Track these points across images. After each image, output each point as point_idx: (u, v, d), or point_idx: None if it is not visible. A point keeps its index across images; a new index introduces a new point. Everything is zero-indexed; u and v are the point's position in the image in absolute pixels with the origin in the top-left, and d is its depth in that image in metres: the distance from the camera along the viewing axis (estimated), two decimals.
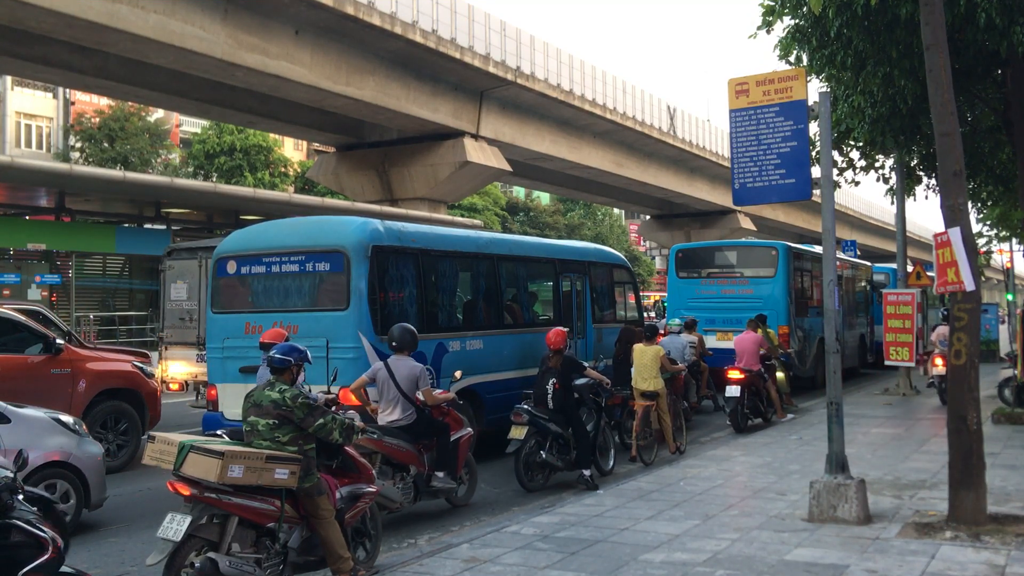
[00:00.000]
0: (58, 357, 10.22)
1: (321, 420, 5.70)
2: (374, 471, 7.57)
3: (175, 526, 5.21)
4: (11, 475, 4.56)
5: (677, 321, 14.27)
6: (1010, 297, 41.81)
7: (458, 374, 9.19)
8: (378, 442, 7.75)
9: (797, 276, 18.23)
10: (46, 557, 4.40)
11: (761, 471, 9.81)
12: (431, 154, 33.40)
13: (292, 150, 55.64)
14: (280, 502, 5.53)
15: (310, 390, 7.72)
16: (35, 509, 4.84)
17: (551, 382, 9.32)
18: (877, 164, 16.79)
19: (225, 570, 5.20)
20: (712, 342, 16.31)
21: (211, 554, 5.24)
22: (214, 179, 44.48)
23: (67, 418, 7.81)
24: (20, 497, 4.60)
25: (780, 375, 14.87)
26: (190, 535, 5.24)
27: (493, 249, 11.99)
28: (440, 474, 8.11)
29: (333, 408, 6.73)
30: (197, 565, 5.20)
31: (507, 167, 35.46)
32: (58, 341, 10.35)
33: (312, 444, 5.78)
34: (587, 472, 9.22)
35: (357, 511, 6.12)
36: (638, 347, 11.14)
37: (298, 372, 5.95)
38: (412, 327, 8.50)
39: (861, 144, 14.97)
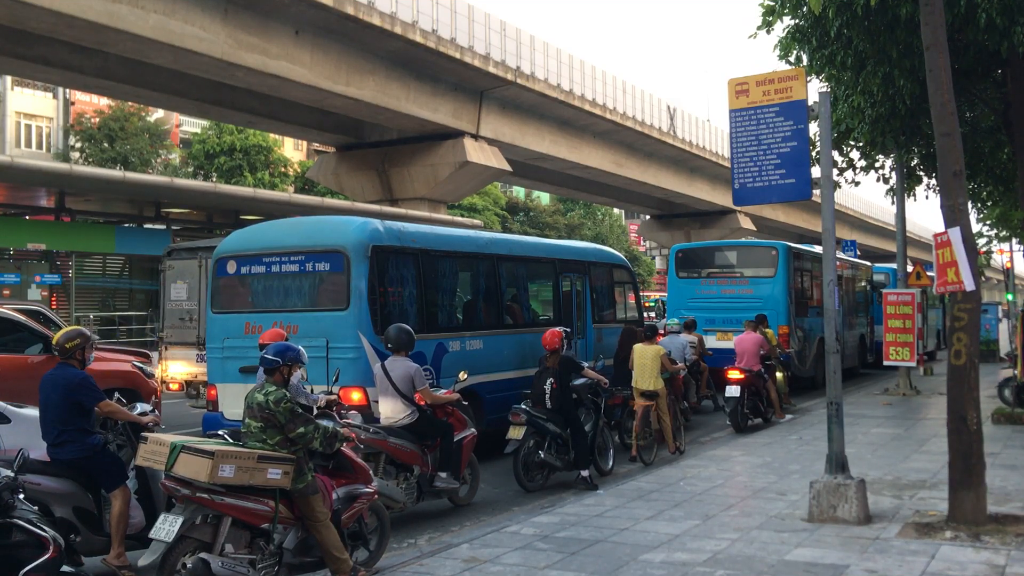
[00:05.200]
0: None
1: (302, 428, 5.61)
2: (378, 471, 7.59)
3: (167, 527, 5.19)
4: (11, 474, 4.57)
5: (676, 321, 14.27)
6: (1010, 297, 41.82)
7: (463, 375, 9.18)
8: (382, 442, 7.76)
9: (797, 276, 18.23)
10: (47, 556, 4.41)
11: (761, 471, 9.81)
12: (431, 154, 33.41)
13: (292, 150, 55.64)
14: (274, 502, 5.50)
15: (312, 390, 7.74)
16: (35, 508, 4.84)
17: (549, 382, 9.32)
18: (877, 164, 16.79)
19: (217, 570, 5.17)
20: (712, 342, 16.31)
21: (203, 554, 5.21)
22: (214, 179, 44.49)
23: None
24: (21, 496, 4.60)
25: (779, 375, 14.87)
26: (183, 536, 5.22)
27: (493, 249, 11.99)
28: (443, 474, 8.11)
29: (334, 408, 6.72)
30: (189, 566, 5.18)
31: (507, 167, 35.47)
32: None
33: (299, 445, 5.70)
34: (585, 473, 9.21)
35: (354, 512, 6.09)
36: (638, 347, 11.14)
37: (289, 373, 5.83)
38: (408, 327, 8.50)
39: (861, 144, 14.97)
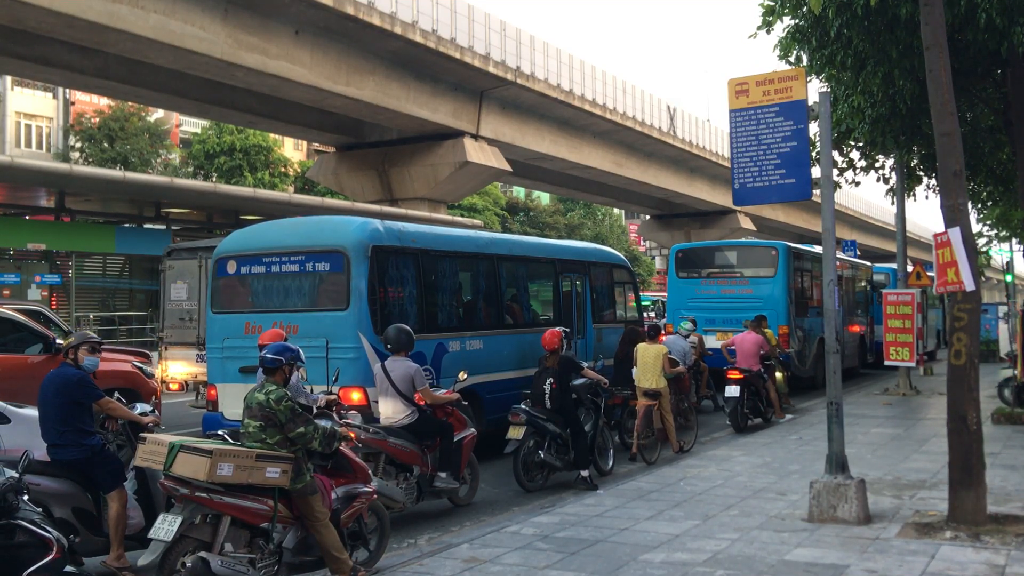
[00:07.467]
0: (58, 357, 10.21)
1: (302, 428, 5.62)
2: (378, 471, 7.60)
3: (166, 526, 5.20)
4: (16, 475, 4.57)
5: (687, 325, 14.05)
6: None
7: (463, 375, 9.19)
8: (383, 442, 7.77)
9: (797, 276, 18.24)
10: (51, 557, 4.40)
11: (761, 471, 9.82)
12: (431, 154, 33.41)
13: (292, 150, 55.62)
14: (273, 502, 5.50)
15: (312, 390, 7.74)
16: (39, 509, 4.84)
17: (548, 382, 9.33)
18: (877, 164, 16.80)
19: (217, 570, 5.18)
20: (712, 342, 16.31)
21: (202, 553, 5.22)
22: (214, 179, 44.48)
23: None
24: (25, 497, 4.60)
25: (778, 375, 14.86)
26: (182, 535, 5.22)
27: (493, 249, 11.99)
28: (443, 474, 8.12)
29: (334, 408, 6.73)
30: (188, 565, 5.18)
31: (507, 167, 35.47)
32: (58, 341, 10.34)
33: (299, 445, 5.71)
34: (585, 473, 9.22)
35: (353, 512, 6.10)
36: (641, 346, 11.17)
37: (290, 372, 5.87)
38: (407, 327, 8.51)
39: (861, 144, 14.98)
